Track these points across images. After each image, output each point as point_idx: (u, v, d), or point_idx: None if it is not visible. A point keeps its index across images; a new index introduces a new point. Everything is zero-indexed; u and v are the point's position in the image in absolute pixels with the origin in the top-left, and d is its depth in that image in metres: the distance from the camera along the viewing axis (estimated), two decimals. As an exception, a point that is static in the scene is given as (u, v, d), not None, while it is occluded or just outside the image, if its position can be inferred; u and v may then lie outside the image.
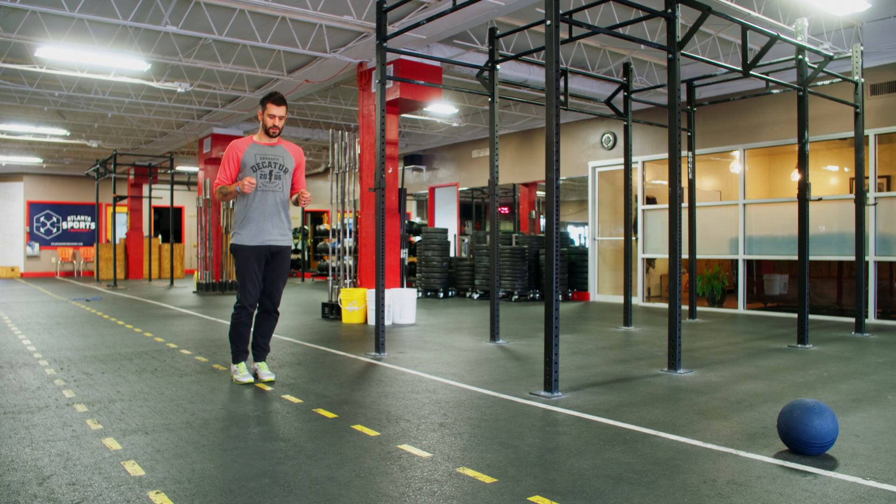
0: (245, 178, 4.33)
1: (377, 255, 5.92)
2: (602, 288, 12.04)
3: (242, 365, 4.71)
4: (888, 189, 9.06)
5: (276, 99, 4.54)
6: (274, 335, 7.08)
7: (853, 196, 7.52)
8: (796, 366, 5.41)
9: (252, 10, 7.54)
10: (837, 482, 2.74)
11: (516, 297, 11.61)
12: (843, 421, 3.63)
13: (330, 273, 8.94)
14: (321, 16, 7.56)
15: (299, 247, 19.98)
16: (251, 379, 4.65)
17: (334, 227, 9.08)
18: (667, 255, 9.45)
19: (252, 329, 4.73)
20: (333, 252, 9.05)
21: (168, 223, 22.60)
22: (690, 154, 8.87)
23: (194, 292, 13.46)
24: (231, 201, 14.28)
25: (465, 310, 10.01)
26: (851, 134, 7.98)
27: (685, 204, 8.71)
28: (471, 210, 17.84)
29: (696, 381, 4.77)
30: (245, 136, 4.57)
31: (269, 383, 4.63)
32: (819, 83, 7.44)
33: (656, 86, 8.61)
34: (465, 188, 15.54)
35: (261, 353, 4.81)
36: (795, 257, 7.24)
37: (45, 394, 4.27)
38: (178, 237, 23.09)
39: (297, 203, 4.64)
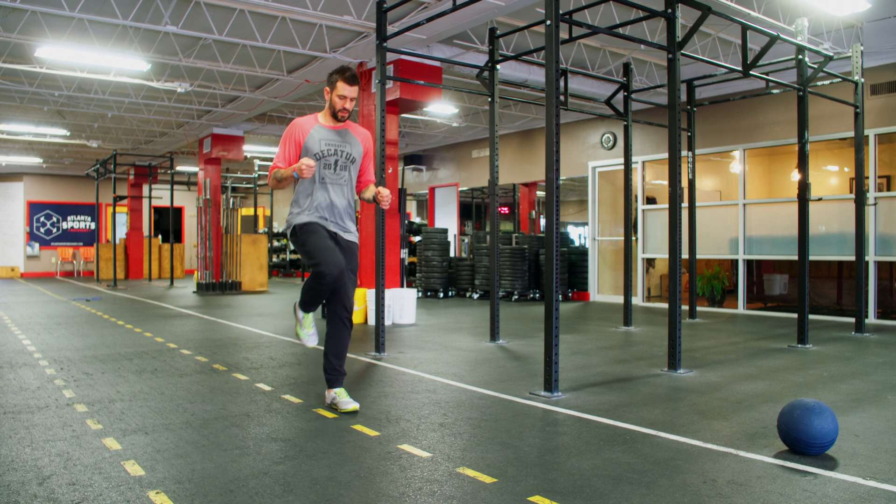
0: (303, 161, 3.57)
1: (377, 255, 5.92)
2: (602, 288, 12.04)
3: (311, 315, 4.00)
4: (888, 189, 9.06)
5: (348, 77, 3.78)
6: (274, 335, 7.10)
7: (853, 196, 7.52)
8: (796, 366, 5.41)
9: (252, 10, 7.54)
10: (837, 482, 2.74)
11: (516, 297, 11.61)
12: (843, 421, 3.63)
13: (330, 273, 8.92)
14: (321, 16, 7.56)
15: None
16: (315, 344, 4.01)
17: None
18: (667, 255, 9.45)
19: (324, 346, 3.97)
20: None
21: (168, 223, 22.60)
22: (690, 154, 8.87)
23: (194, 292, 13.46)
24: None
25: (465, 310, 10.01)
26: (851, 134, 7.98)
27: (685, 204, 8.71)
28: (471, 210, 17.84)
29: (696, 381, 4.77)
30: (308, 115, 3.93)
31: (352, 413, 3.82)
32: (819, 83, 7.44)
33: (656, 86, 8.61)
34: (465, 188, 15.53)
35: (337, 377, 3.94)
36: (795, 257, 7.24)
37: (45, 394, 4.27)
38: (178, 237, 23.10)
39: (372, 201, 3.95)
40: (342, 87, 3.77)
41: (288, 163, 3.79)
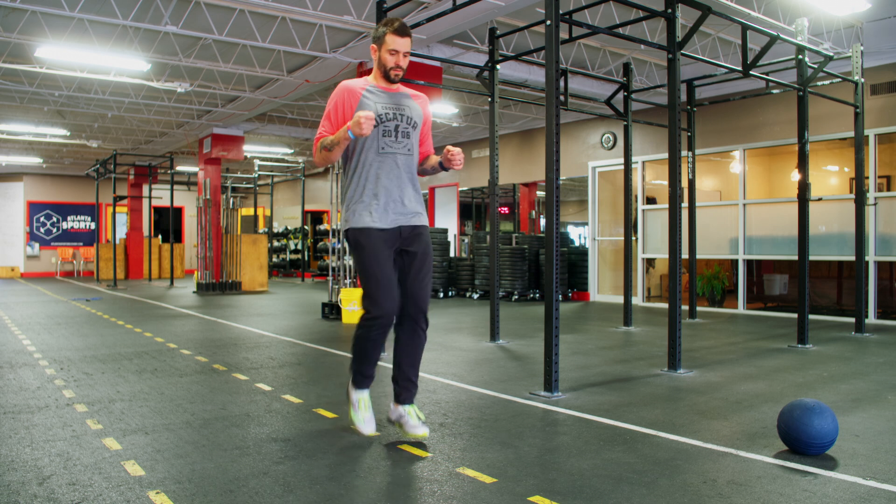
0: (358, 114, 2.99)
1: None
2: (602, 288, 12.04)
3: (366, 395, 3.33)
4: (888, 189, 9.06)
5: (398, 28, 3.20)
6: (274, 335, 7.09)
7: (853, 196, 7.52)
8: (796, 366, 5.41)
9: (252, 10, 7.54)
10: (837, 482, 2.75)
11: (516, 297, 11.61)
12: (843, 421, 3.63)
13: (330, 273, 8.94)
14: (321, 16, 7.56)
15: (299, 247, 19.98)
16: (373, 430, 3.29)
17: (334, 227, 9.08)
18: (667, 255, 9.45)
19: (394, 354, 3.34)
20: (333, 252, 9.05)
21: (168, 223, 22.61)
22: (690, 154, 8.87)
23: (194, 292, 13.46)
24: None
25: (465, 310, 10.01)
26: (851, 134, 7.98)
27: (685, 204, 8.71)
28: (471, 210, 17.84)
29: (696, 381, 4.77)
30: (359, 78, 3.33)
31: (420, 442, 3.25)
32: (819, 83, 7.44)
33: (656, 86, 8.61)
34: (465, 188, 15.53)
35: (409, 389, 3.28)
36: (795, 257, 7.24)
37: (45, 394, 4.27)
38: (178, 237, 23.10)
39: (439, 168, 3.34)
40: (392, 41, 3.19)
41: (337, 129, 3.19)
